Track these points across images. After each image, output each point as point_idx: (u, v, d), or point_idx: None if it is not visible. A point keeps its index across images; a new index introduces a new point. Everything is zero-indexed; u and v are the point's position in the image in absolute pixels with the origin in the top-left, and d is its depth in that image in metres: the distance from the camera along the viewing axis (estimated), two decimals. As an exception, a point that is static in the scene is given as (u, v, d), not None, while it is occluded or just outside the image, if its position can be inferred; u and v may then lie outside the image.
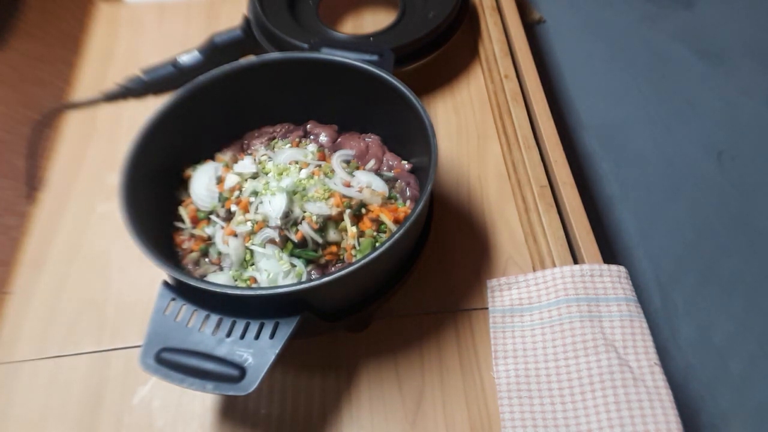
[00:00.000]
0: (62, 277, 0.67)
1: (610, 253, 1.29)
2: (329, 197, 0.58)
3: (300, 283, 0.48)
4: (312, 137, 0.69)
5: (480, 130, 0.79)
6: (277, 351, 0.47)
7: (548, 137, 0.73)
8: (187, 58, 0.82)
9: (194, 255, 0.59)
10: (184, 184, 0.64)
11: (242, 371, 0.46)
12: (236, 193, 0.60)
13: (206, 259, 0.59)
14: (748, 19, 1.73)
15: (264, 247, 0.57)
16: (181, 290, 0.50)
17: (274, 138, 0.69)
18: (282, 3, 0.86)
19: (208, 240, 0.60)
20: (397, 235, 0.50)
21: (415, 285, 0.64)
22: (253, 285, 0.56)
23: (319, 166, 0.63)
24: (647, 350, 0.55)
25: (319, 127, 0.70)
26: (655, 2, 1.79)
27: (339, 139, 0.69)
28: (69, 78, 0.87)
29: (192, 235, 0.61)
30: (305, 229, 0.56)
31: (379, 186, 0.62)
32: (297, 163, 0.62)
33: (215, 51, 0.81)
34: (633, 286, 0.60)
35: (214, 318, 0.49)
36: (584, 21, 1.76)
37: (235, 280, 0.57)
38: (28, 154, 0.75)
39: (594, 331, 0.57)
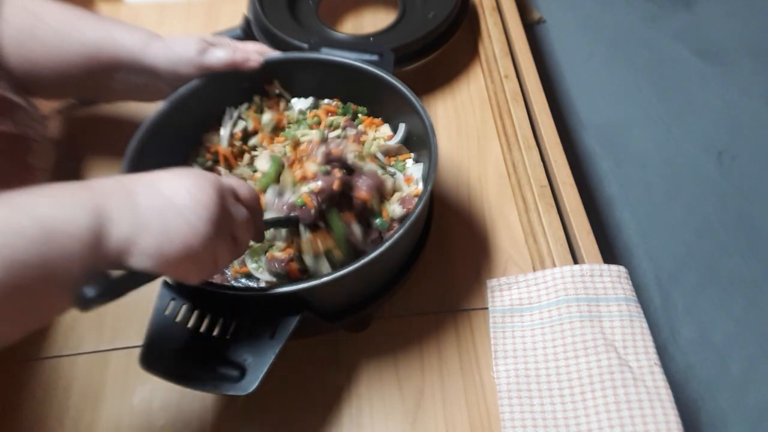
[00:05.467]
0: (62, 277, 0.67)
1: (610, 253, 1.29)
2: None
3: (300, 282, 0.48)
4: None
5: (480, 130, 0.79)
6: (276, 351, 0.47)
7: (548, 137, 0.73)
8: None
9: None
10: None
11: (242, 371, 0.46)
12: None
13: None
14: (748, 19, 1.73)
15: None
16: (180, 290, 0.50)
17: None
18: (282, 3, 0.86)
19: None
20: (396, 236, 0.50)
21: (415, 285, 0.64)
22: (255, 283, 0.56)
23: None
24: (647, 350, 0.55)
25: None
26: (655, 2, 1.79)
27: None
28: (69, 78, 0.86)
29: None
30: None
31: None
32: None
33: (215, 51, 0.81)
34: (633, 286, 0.60)
35: (214, 318, 0.49)
36: (584, 21, 1.76)
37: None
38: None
39: (594, 331, 0.57)
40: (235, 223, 0.44)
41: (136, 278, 0.40)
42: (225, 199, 0.43)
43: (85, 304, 0.36)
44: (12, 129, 0.55)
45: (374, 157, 0.63)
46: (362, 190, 0.57)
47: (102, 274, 0.38)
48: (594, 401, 0.53)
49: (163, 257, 0.39)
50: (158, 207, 0.40)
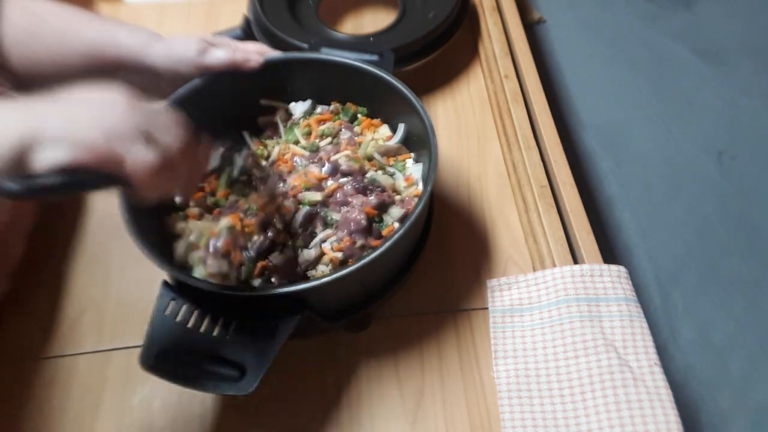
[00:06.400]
0: (63, 276, 0.67)
1: (610, 253, 1.29)
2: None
3: (300, 283, 0.48)
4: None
5: (480, 130, 0.79)
6: (276, 351, 0.47)
7: (548, 137, 0.73)
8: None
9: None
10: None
11: (242, 371, 0.46)
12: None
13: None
14: (748, 19, 1.73)
15: None
16: (181, 290, 0.50)
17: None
18: (282, 3, 0.86)
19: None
20: (396, 236, 0.50)
21: (415, 285, 0.64)
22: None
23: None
24: (647, 350, 0.55)
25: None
26: (655, 2, 1.79)
27: None
28: (69, 78, 0.87)
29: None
30: None
31: None
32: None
33: (215, 51, 0.81)
34: (633, 286, 0.60)
35: (214, 318, 0.49)
36: (584, 21, 1.76)
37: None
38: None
39: (594, 331, 0.57)
40: (152, 118, 0.40)
41: (64, 176, 0.36)
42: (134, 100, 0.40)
43: (10, 196, 0.36)
44: None
45: (372, 158, 0.63)
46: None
47: (27, 174, 0.36)
48: (594, 401, 0.53)
49: (78, 141, 0.36)
50: (57, 98, 0.39)
